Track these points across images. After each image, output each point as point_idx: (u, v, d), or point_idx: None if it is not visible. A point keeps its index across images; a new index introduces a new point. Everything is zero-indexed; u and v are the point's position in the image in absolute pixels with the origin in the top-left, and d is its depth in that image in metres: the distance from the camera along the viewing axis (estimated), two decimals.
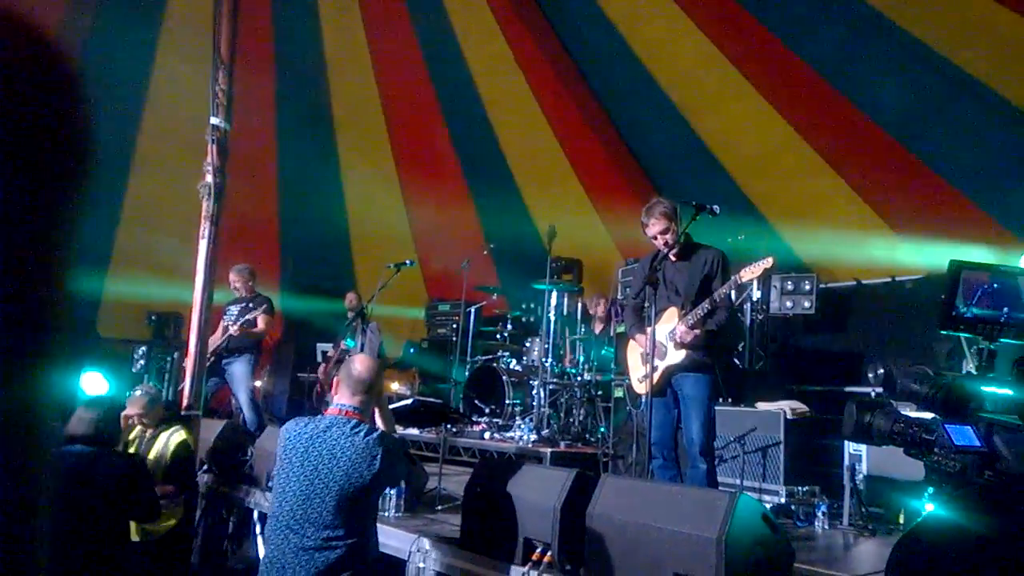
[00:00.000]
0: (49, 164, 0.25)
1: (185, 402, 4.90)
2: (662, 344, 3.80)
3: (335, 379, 2.81)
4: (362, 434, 2.57)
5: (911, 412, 1.73)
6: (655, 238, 3.83)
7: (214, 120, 4.93)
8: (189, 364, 4.94)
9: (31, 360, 0.24)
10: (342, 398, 2.69)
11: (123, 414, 3.91)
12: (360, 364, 2.76)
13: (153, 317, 9.19)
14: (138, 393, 4.22)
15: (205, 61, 5.02)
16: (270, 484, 4.49)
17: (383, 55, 8.58)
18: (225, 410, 7.18)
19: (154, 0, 7.41)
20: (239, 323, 5.97)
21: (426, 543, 3.32)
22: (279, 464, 2.63)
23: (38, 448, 0.26)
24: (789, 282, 6.49)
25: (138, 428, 4.22)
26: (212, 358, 5.88)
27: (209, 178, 4.90)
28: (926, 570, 1.23)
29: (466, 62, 8.19)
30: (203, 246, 4.91)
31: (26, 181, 0.24)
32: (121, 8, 7.13)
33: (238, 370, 6.10)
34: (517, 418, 6.25)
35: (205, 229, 4.91)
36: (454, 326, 8.35)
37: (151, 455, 4.14)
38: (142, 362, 8.55)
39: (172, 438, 4.19)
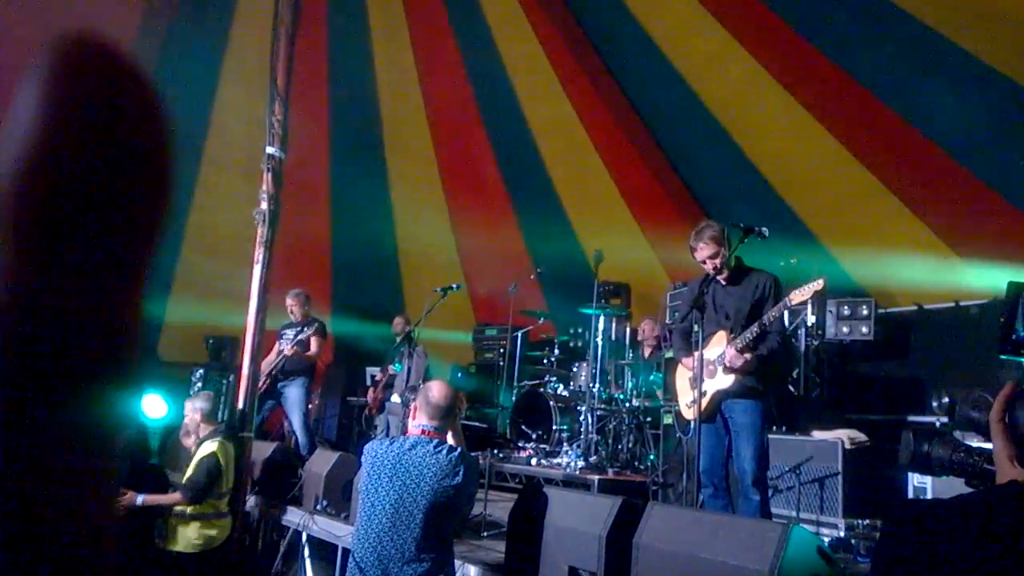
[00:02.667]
0: (140, 192, 0.26)
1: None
2: (711, 365, 3.71)
3: (413, 404, 3.00)
4: (445, 451, 2.79)
5: (974, 442, 1.64)
6: (704, 262, 3.77)
7: (270, 149, 5.11)
8: (242, 387, 5.07)
9: (113, 382, 0.26)
10: (421, 419, 2.89)
11: (187, 410, 4.42)
12: (437, 391, 2.94)
13: (210, 341, 9.48)
14: (201, 393, 4.74)
15: (263, 90, 5.21)
16: (318, 507, 4.59)
17: (431, 81, 8.78)
18: (277, 433, 7.33)
19: (220, 29, 7.77)
20: (293, 344, 6.12)
21: (472, 570, 3.29)
22: (366, 481, 2.82)
23: (115, 468, 0.27)
24: (846, 307, 6.28)
25: (199, 427, 4.44)
26: (267, 381, 6.05)
27: (264, 205, 5.06)
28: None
29: (512, 87, 8.30)
30: (257, 271, 5.05)
31: (119, 205, 0.26)
32: (187, 37, 7.52)
33: (293, 394, 6.26)
34: (564, 444, 6.18)
35: (259, 255, 5.06)
36: (501, 351, 8.35)
37: (191, 464, 4.31)
38: (199, 385, 8.82)
39: (205, 448, 4.33)
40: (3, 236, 0.24)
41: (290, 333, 6.34)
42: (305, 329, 6.27)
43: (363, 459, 2.92)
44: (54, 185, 0.25)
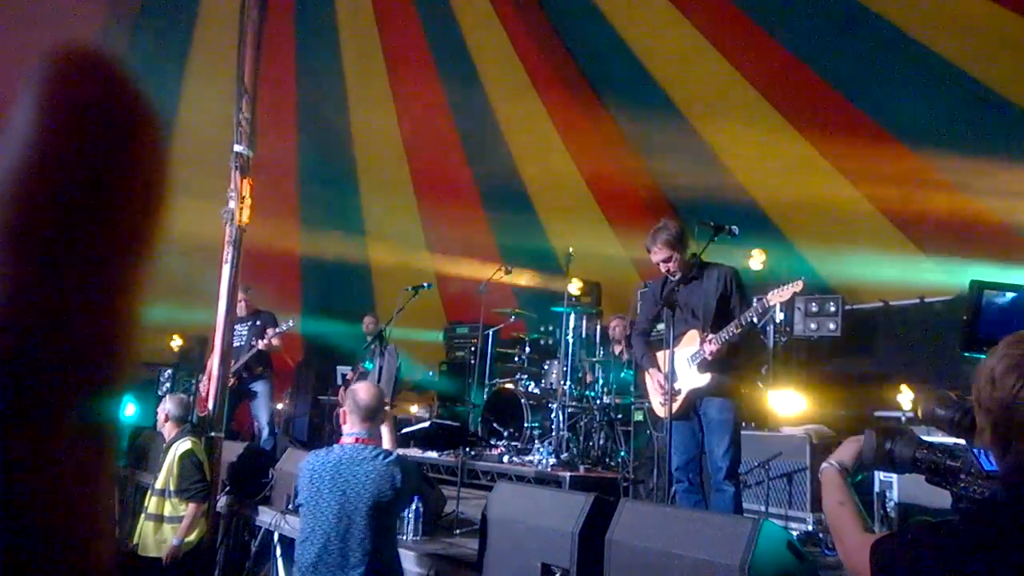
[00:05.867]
0: (136, 201, 0.26)
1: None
2: (682, 371, 3.74)
3: (342, 410, 3.06)
4: (381, 458, 2.85)
5: (937, 438, 1.67)
6: (659, 264, 3.79)
7: (237, 147, 5.02)
8: (212, 387, 4.99)
9: (109, 388, 0.26)
10: (353, 427, 2.94)
11: (159, 410, 4.41)
12: (363, 393, 3.00)
13: (178, 341, 9.31)
14: (175, 395, 4.72)
15: (229, 89, 5.13)
16: (290, 506, 4.54)
17: (400, 78, 8.71)
18: (248, 432, 7.22)
19: (183, 29, 7.62)
20: (269, 339, 6.04)
21: (444, 568, 3.28)
22: (306, 493, 2.86)
23: (113, 470, 0.27)
24: (814, 304, 6.39)
25: (165, 427, 4.37)
26: (235, 381, 5.97)
27: (232, 203, 4.98)
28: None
29: (482, 84, 8.28)
30: (226, 270, 4.97)
31: (115, 214, 0.26)
32: (151, 35, 7.36)
33: (263, 390, 6.21)
34: (536, 441, 6.19)
35: (228, 253, 4.98)
36: (472, 349, 8.33)
37: (163, 467, 4.24)
38: (167, 385, 8.67)
39: (179, 448, 4.26)
40: (1, 245, 0.24)
41: (241, 328, 6.25)
42: (259, 323, 6.22)
43: (301, 472, 2.96)
44: (49, 195, 0.25)
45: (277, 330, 6.12)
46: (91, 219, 0.25)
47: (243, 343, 6.21)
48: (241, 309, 6.32)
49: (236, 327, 6.26)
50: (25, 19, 5.72)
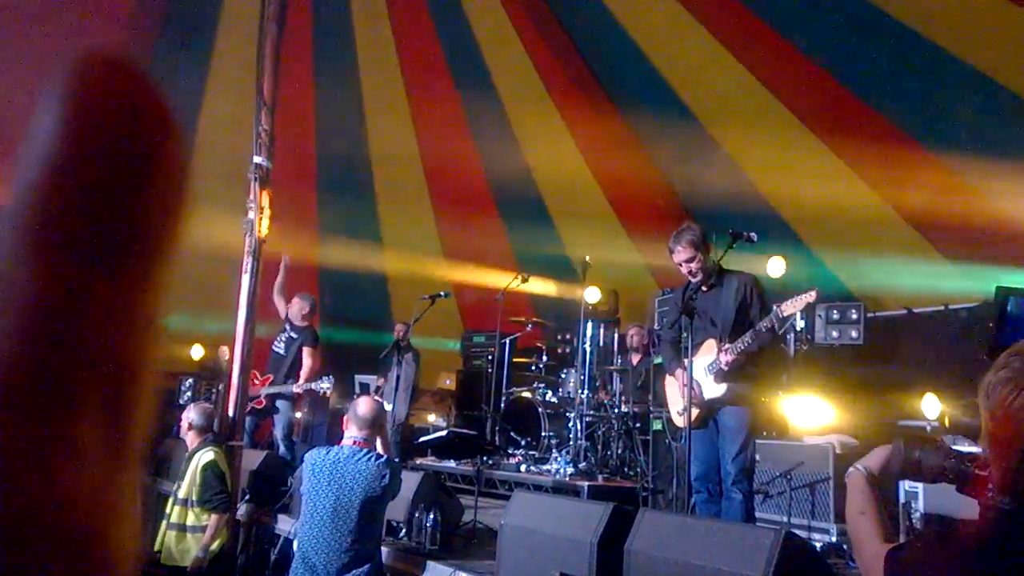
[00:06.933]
0: (159, 206, 0.26)
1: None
2: (699, 381, 3.70)
3: (345, 416, 3.54)
4: (373, 459, 3.31)
5: (965, 447, 1.64)
6: (680, 266, 3.76)
7: (257, 159, 5.08)
8: (231, 396, 5.03)
9: (132, 402, 0.26)
10: (352, 431, 3.41)
11: (182, 418, 4.47)
12: (364, 406, 3.50)
13: (199, 349, 9.40)
14: (199, 404, 4.73)
15: (249, 101, 5.19)
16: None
17: (416, 87, 8.77)
18: (267, 441, 7.28)
19: (205, 39, 7.74)
20: (313, 389, 6.16)
21: None
22: (308, 484, 3.32)
23: (137, 478, 0.28)
24: (835, 311, 6.30)
25: (188, 436, 4.40)
26: (263, 402, 6.14)
27: (252, 214, 5.03)
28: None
29: (498, 93, 8.31)
30: (246, 280, 5.02)
31: (138, 218, 0.26)
32: (173, 49, 7.49)
33: (284, 403, 6.33)
34: (553, 451, 6.16)
35: (247, 263, 5.03)
36: (489, 357, 8.32)
37: (187, 476, 4.25)
38: (188, 394, 8.75)
39: (202, 458, 4.27)
40: (24, 249, 0.24)
41: (283, 337, 6.39)
42: (298, 336, 6.32)
43: (304, 465, 3.43)
44: (73, 198, 0.25)
45: (317, 388, 6.20)
46: (114, 223, 0.25)
47: (284, 354, 6.37)
48: (296, 315, 6.46)
49: (284, 333, 6.41)
50: (50, 29, 5.85)
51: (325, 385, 6.17)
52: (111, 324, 0.26)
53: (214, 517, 4.15)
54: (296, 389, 6.23)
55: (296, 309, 6.50)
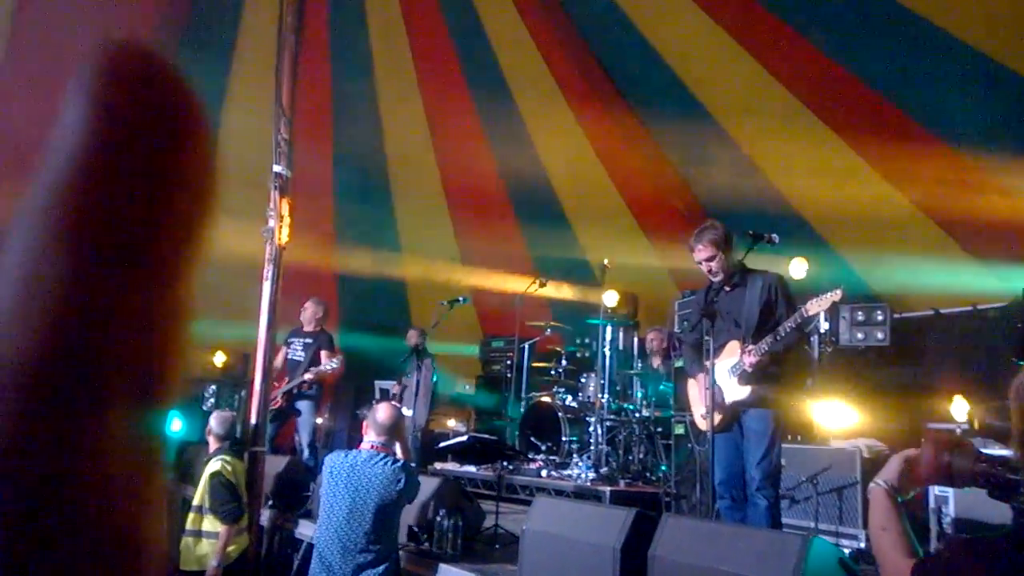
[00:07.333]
0: (186, 201, 0.26)
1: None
2: (723, 383, 3.66)
3: (364, 422, 3.66)
4: (390, 463, 3.42)
5: (995, 450, 1.59)
6: (700, 264, 3.71)
7: (276, 167, 5.13)
8: (254, 402, 5.06)
9: (159, 403, 0.26)
10: (370, 436, 3.53)
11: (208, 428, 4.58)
12: (382, 412, 3.60)
13: (222, 356, 9.51)
14: (222, 412, 4.82)
15: (268, 111, 5.24)
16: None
17: (431, 92, 8.80)
18: (289, 446, 7.33)
19: (223, 49, 7.84)
20: (316, 372, 6.15)
21: None
22: (327, 486, 3.44)
23: (162, 485, 0.27)
24: (860, 312, 6.20)
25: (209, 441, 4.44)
26: (282, 401, 6.14)
27: (271, 222, 5.08)
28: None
29: (513, 98, 8.31)
30: (266, 287, 5.06)
31: (166, 213, 0.25)
32: (193, 58, 7.59)
33: (307, 408, 6.32)
34: (574, 455, 6.13)
35: (268, 271, 5.08)
36: (508, 362, 8.31)
37: (200, 484, 4.30)
38: (212, 400, 8.86)
39: (210, 467, 4.31)
40: (53, 247, 0.24)
41: (298, 344, 6.39)
42: (316, 342, 6.31)
43: (323, 467, 3.55)
44: (100, 195, 0.24)
45: (326, 367, 6.19)
46: (143, 219, 0.25)
47: (302, 359, 6.35)
48: (308, 320, 6.48)
49: (299, 339, 6.44)
50: (77, 27, 5.95)
51: (333, 363, 6.18)
52: (140, 323, 0.25)
53: (223, 528, 4.18)
54: (307, 376, 6.21)
55: (310, 313, 6.53)
